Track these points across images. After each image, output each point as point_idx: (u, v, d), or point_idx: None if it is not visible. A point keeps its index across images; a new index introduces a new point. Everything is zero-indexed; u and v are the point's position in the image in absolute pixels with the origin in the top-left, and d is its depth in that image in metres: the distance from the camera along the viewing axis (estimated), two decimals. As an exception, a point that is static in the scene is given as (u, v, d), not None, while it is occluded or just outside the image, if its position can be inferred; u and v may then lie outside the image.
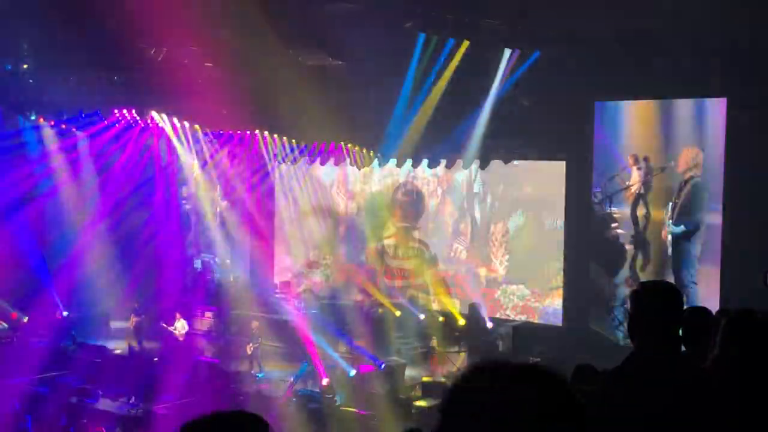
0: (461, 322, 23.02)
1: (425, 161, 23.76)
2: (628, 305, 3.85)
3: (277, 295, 24.94)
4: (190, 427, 2.60)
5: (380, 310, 23.68)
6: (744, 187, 17.80)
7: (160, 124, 23.92)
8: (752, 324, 3.94)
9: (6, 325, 22.87)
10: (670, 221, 19.32)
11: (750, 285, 15.60)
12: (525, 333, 21.70)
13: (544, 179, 22.41)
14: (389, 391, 18.60)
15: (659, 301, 3.76)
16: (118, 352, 21.82)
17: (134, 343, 22.40)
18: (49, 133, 24.27)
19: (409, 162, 24.15)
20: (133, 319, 23.15)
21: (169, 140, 25.35)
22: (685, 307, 4.08)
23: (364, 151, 24.52)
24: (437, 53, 19.53)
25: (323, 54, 19.23)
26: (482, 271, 23.55)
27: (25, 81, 21.03)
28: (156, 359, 20.93)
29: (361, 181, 26.17)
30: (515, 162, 22.57)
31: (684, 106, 19.41)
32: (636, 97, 19.85)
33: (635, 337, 3.77)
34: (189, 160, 26.62)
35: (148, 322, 23.36)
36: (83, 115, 22.70)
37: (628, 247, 20.34)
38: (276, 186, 27.33)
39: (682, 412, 3.49)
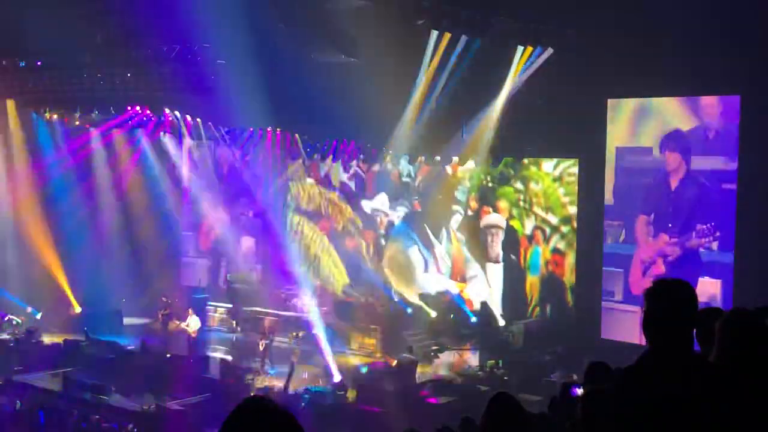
0: (473, 319, 23.00)
1: (437, 158, 23.75)
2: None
3: (288, 292, 24.95)
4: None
5: (391, 307, 23.68)
6: (757, 184, 17.79)
7: (173, 122, 23.97)
8: (744, 324, 3.95)
9: (20, 321, 22.98)
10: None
11: (764, 283, 15.58)
12: (536, 330, 21.68)
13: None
14: (400, 389, 18.60)
15: (674, 299, 3.75)
16: (130, 348, 21.89)
17: (149, 339, 22.43)
18: (62, 129, 24.36)
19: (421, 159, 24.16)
20: (161, 313, 23.26)
21: (182, 137, 25.41)
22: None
23: (377, 148, 24.50)
24: (450, 50, 19.51)
25: (336, 51, 19.24)
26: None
27: (39, 77, 21.10)
28: (168, 355, 20.99)
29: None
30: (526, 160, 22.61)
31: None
32: (649, 95, 19.82)
33: (649, 335, 3.77)
34: (202, 157, 26.68)
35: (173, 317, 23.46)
36: (97, 112, 22.76)
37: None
38: (288, 182, 27.34)
39: (695, 410, 3.48)
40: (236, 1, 17.58)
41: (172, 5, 16.64)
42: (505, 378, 19.74)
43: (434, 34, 19.39)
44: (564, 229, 22.59)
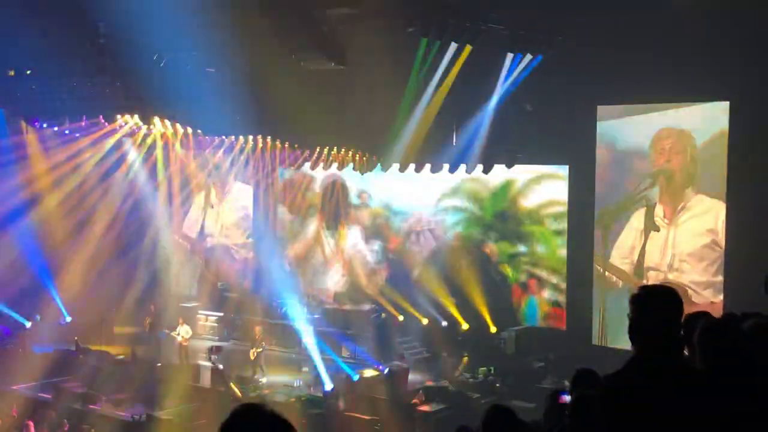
0: (465, 326, 22.98)
1: (428, 166, 23.70)
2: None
3: (280, 300, 24.91)
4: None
5: (383, 315, 23.66)
6: (746, 190, 17.85)
7: (162, 130, 23.93)
8: (720, 332, 4.00)
9: (10, 331, 22.89)
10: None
11: (752, 288, 15.59)
12: (527, 337, 21.68)
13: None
14: (392, 396, 18.57)
15: (660, 305, 3.76)
16: (120, 357, 21.81)
17: (139, 348, 22.34)
18: (52, 138, 24.29)
19: (411, 167, 24.11)
20: (147, 321, 23.16)
21: (171, 146, 25.35)
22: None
23: (367, 156, 24.47)
24: (439, 58, 19.52)
25: (325, 59, 19.23)
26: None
27: (28, 87, 21.05)
28: (159, 364, 20.92)
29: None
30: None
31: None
32: (639, 101, 19.87)
33: (635, 341, 3.78)
34: (192, 165, 26.64)
35: (159, 325, 23.39)
36: (86, 121, 22.70)
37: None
38: (278, 191, 27.32)
39: (680, 416, 3.49)
40: (225, 9, 17.59)
41: (162, 13, 16.62)
42: (497, 385, 19.74)
43: (424, 41, 19.39)
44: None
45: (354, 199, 25.98)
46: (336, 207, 26.34)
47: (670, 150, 19.76)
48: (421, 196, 24.58)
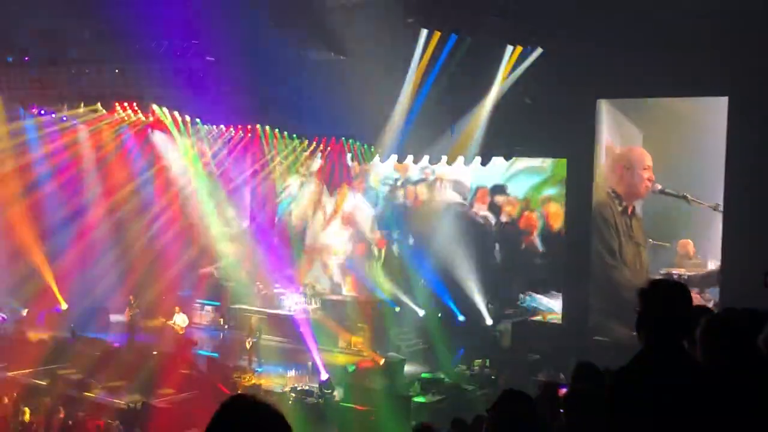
0: (461, 318, 22.99)
1: (426, 157, 23.68)
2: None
3: (276, 290, 24.90)
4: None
5: (380, 306, 23.65)
6: (744, 186, 17.83)
7: (161, 118, 23.86)
8: (723, 329, 3.99)
9: (6, 317, 22.88)
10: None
11: (750, 284, 15.60)
12: (524, 330, 21.68)
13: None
14: (388, 387, 18.59)
15: (667, 299, 3.75)
16: (117, 345, 21.81)
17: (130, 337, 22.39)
18: (50, 125, 24.23)
19: (410, 158, 24.12)
20: (128, 313, 23.12)
21: (169, 134, 25.28)
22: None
23: (366, 146, 24.44)
24: (439, 49, 19.48)
25: (325, 49, 19.20)
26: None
27: (26, 73, 20.99)
28: (155, 353, 20.92)
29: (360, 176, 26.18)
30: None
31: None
32: (638, 95, 19.84)
33: (643, 335, 3.77)
34: (189, 154, 26.57)
35: (143, 316, 23.36)
36: (84, 108, 22.63)
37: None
38: (276, 180, 27.29)
39: (687, 410, 3.48)
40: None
41: (161, 1, 16.59)
42: (493, 377, 19.75)
43: (424, 32, 19.34)
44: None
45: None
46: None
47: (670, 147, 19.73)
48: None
